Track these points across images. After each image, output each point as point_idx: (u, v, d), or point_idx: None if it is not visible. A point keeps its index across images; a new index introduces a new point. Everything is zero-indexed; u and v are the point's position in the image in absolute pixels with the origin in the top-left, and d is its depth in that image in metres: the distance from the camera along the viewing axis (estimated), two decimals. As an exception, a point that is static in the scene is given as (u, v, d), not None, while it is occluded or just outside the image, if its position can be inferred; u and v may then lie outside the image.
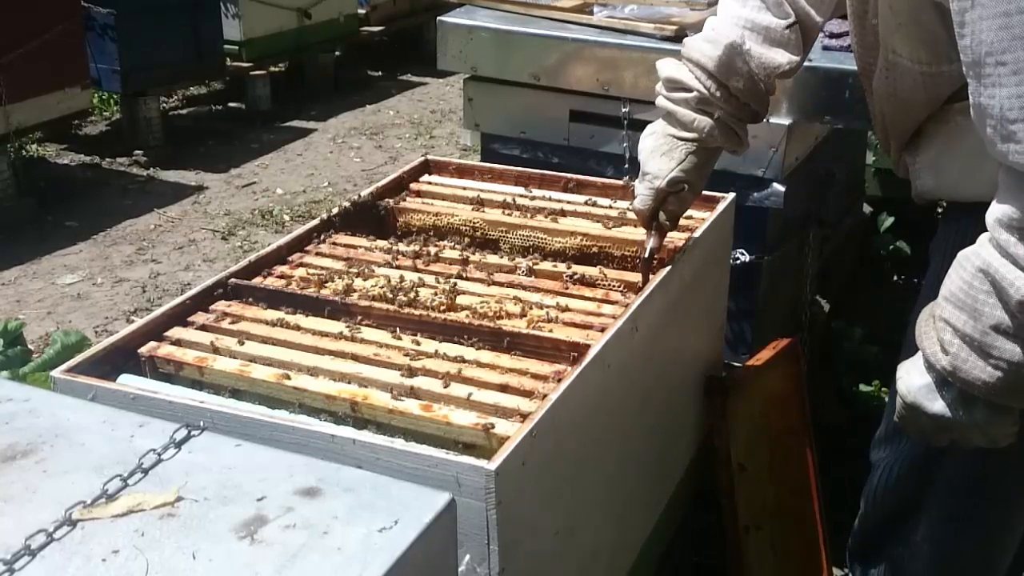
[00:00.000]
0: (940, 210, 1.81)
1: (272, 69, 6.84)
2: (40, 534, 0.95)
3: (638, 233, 1.95)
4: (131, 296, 4.32)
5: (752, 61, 1.69)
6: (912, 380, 1.40)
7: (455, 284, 1.80)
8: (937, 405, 1.37)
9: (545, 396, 1.42)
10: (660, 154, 1.74)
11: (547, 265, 1.88)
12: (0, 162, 4.83)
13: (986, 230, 1.28)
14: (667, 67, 1.74)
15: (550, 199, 2.12)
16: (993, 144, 1.24)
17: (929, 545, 1.73)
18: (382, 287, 1.77)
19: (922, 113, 1.60)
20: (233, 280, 1.78)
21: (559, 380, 1.47)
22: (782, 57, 1.71)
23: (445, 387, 1.49)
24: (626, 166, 2.48)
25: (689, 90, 1.70)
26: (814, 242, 2.71)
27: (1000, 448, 1.42)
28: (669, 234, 1.92)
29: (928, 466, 1.69)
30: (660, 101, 1.75)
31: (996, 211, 1.25)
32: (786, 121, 2.32)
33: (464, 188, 2.18)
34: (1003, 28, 1.17)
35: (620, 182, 2.18)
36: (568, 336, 1.61)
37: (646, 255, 1.78)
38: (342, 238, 1.99)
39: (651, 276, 1.77)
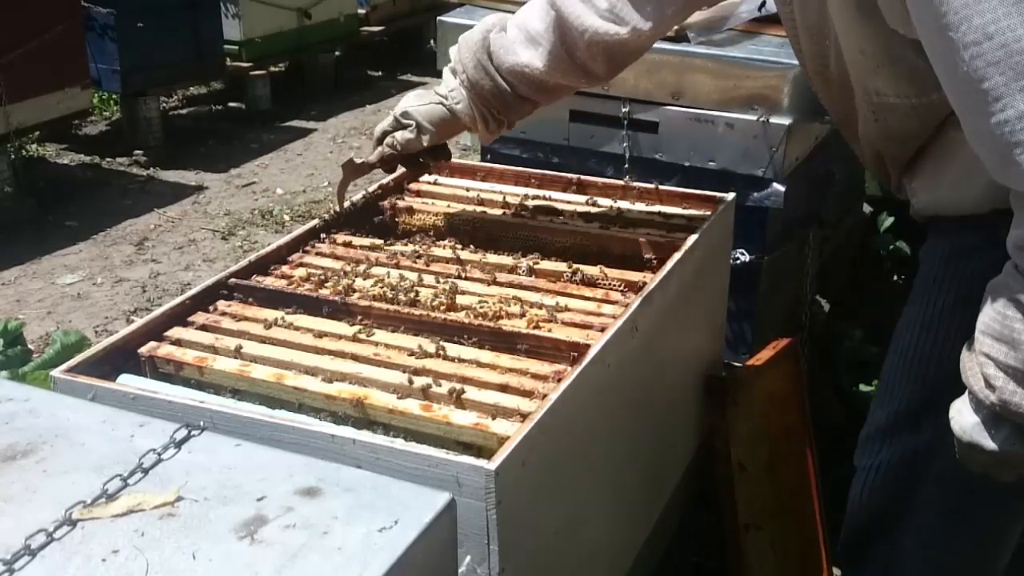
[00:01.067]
0: None
1: (272, 69, 6.84)
2: (40, 534, 0.95)
3: (639, 233, 1.95)
4: (131, 296, 4.32)
5: (495, 56, 1.80)
6: (964, 420, 1.36)
7: (455, 284, 1.80)
8: (994, 442, 1.33)
9: (545, 396, 1.42)
10: (417, 94, 1.94)
11: (547, 265, 1.88)
12: (0, 162, 4.83)
13: (980, 239, 1.28)
14: (456, 42, 1.90)
15: (550, 199, 2.12)
16: (995, 171, 1.23)
17: (921, 547, 1.71)
18: (382, 287, 1.76)
19: (919, 141, 1.59)
20: (233, 280, 1.78)
21: (559, 380, 1.47)
22: (525, 56, 1.78)
23: (445, 387, 1.49)
24: (626, 166, 2.48)
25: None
26: (814, 242, 2.71)
27: None
28: (670, 233, 1.93)
29: (919, 465, 1.67)
30: (446, 67, 1.92)
31: (1015, 237, 1.23)
32: (786, 121, 2.32)
33: (464, 188, 2.18)
34: (975, 57, 1.16)
35: (620, 182, 2.18)
36: (568, 336, 1.61)
37: (357, 161, 2.00)
38: (342, 238, 1.99)
39: (347, 185, 2.01)
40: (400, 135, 1.92)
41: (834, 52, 1.58)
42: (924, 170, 1.62)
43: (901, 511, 1.71)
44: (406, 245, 1.97)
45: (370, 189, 2.15)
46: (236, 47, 6.38)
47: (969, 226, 1.53)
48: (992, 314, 1.28)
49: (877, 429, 1.72)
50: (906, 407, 1.67)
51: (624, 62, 1.83)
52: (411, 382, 1.50)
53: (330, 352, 1.60)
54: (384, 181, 2.19)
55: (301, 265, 1.89)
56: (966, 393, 1.37)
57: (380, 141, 1.95)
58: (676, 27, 2.46)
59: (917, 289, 1.66)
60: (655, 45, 2.43)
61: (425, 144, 1.92)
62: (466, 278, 1.84)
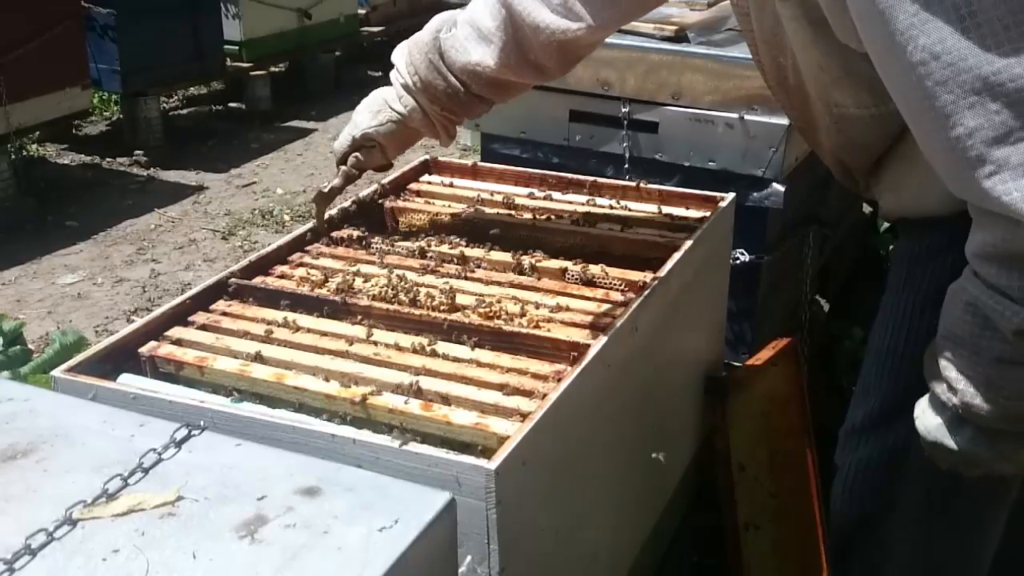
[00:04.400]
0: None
1: (272, 69, 6.84)
2: (40, 534, 0.95)
3: (639, 233, 1.95)
4: (131, 296, 4.32)
5: (446, 56, 1.80)
6: (928, 420, 1.38)
7: (455, 284, 1.80)
8: (958, 442, 1.35)
9: (545, 396, 1.42)
10: (370, 111, 1.93)
11: (547, 264, 1.88)
12: (0, 162, 4.83)
13: (945, 239, 1.28)
14: (401, 48, 1.91)
15: (550, 199, 2.12)
16: (950, 184, 1.24)
17: (906, 542, 1.71)
18: (382, 287, 1.76)
19: (881, 148, 1.60)
20: (233, 280, 1.78)
21: (559, 380, 1.47)
22: (476, 54, 1.78)
23: (445, 387, 1.49)
24: (626, 166, 2.48)
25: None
26: (814, 242, 2.71)
27: None
28: (670, 233, 1.93)
29: (897, 462, 1.67)
30: (392, 72, 1.92)
31: (972, 244, 1.24)
32: (786, 121, 2.32)
33: (464, 188, 2.18)
34: (923, 77, 1.16)
35: (620, 182, 2.18)
36: (568, 336, 1.61)
37: (325, 190, 1.97)
38: (342, 237, 1.99)
39: (324, 212, 1.98)
40: (364, 155, 1.94)
41: (791, 65, 1.59)
42: (888, 175, 1.63)
43: (883, 508, 1.71)
44: (406, 245, 1.97)
45: (369, 190, 2.15)
46: (236, 47, 6.38)
47: (934, 228, 1.54)
48: (952, 319, 1.29)
49: (855, 427, 1.74)
50: (880, 406, 1.68)
51: (577, 57, 1.82)
52: (411, 382, 1.50)
53: (330, 352, 1.60)
54: (384, 181, 2.19)
55: (301, 265, 1.89)
56: (929, 394, 1.39)
57: (343, 161, 1.97)
58: (677, 28, 2.47)
59: (888, 290, 1.68)
60: (655, 45, 2.45)
61: (389, 159, 1.97)
62: (466, 278, 1.84)
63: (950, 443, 1.35)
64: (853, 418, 1.75)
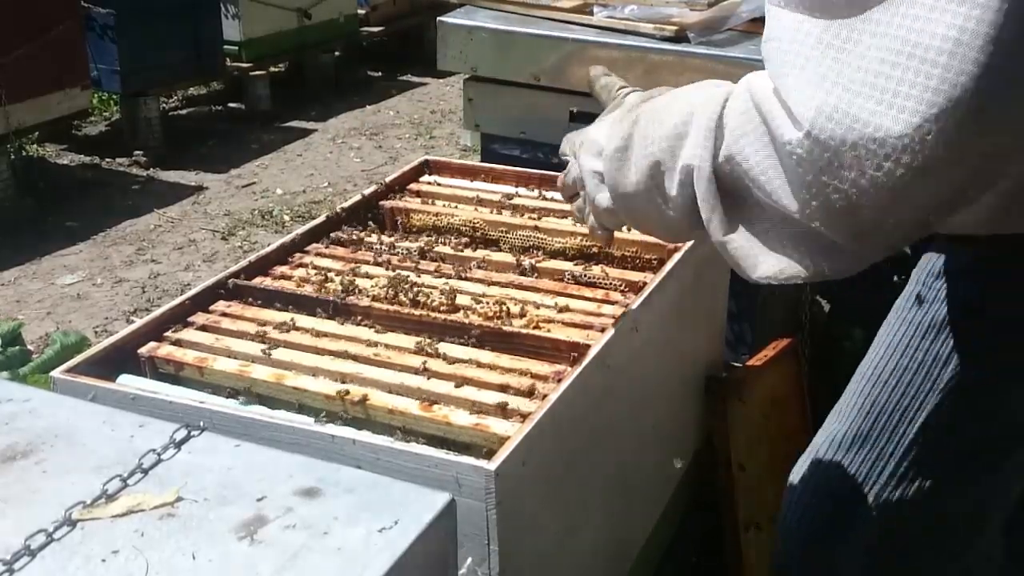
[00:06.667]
0: None
1: (272, 69, 6.84)
2: (40, 534, 0.95)
3: (639, 233, 1.95)
4: (131, 296, 4.32)
5: None
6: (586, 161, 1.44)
7: (455, 284, 1.80)
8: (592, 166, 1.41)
9: (545, 396, 1.42)
10: None
11: (547, 265, 1.88)
12: (0, 162, 4.83)
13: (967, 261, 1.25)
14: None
15: (551, 199, 2.12)
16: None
17: (855, 570, 1.57)
18: (382, 287, 1.76)
19: None
20: (233, 280, 1.78)
21: (559, 380, 1.47)
22: None
23: (445, 387, 1.49)
24: (626, 166, 2.47)
25: None
26: (814, 242, 2.71)
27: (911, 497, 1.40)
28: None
29: (848, 493, 1.53)
30: None
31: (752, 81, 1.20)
32: (786, 121, 2.32)
33: (464, 188, 2.18)
34: (763, 148, 1.12)
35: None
36: (568, 336, 1.61)
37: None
38: (342, 238, 1.99)
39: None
40: None
41: None
42: None
43: (835, 539, 1.58)
44: (406, 245, 1.97)
45: (369, 190, 2.15)
46: (236, 47, 6.37)
47: (959, 248, 1.43)
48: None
49: (817, 448, 1.62)
50: (843, 434, 1.56)
51: None
52: (411, 382, 1.50)
53: (330, 352, 1.60)
54: (384, 181, 2.19)
55: (301, 265, 1.89)
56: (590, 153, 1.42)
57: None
58: (677, 28, 2.46)
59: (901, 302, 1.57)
60: (655, 45, 2.44)
61: None
62: (466, 278, 1.84)
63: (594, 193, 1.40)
64: (818, 438, 1.63)
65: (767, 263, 1.15)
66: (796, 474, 1.66)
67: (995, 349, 1.37)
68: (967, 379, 1.39)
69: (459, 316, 1.68)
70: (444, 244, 1.97)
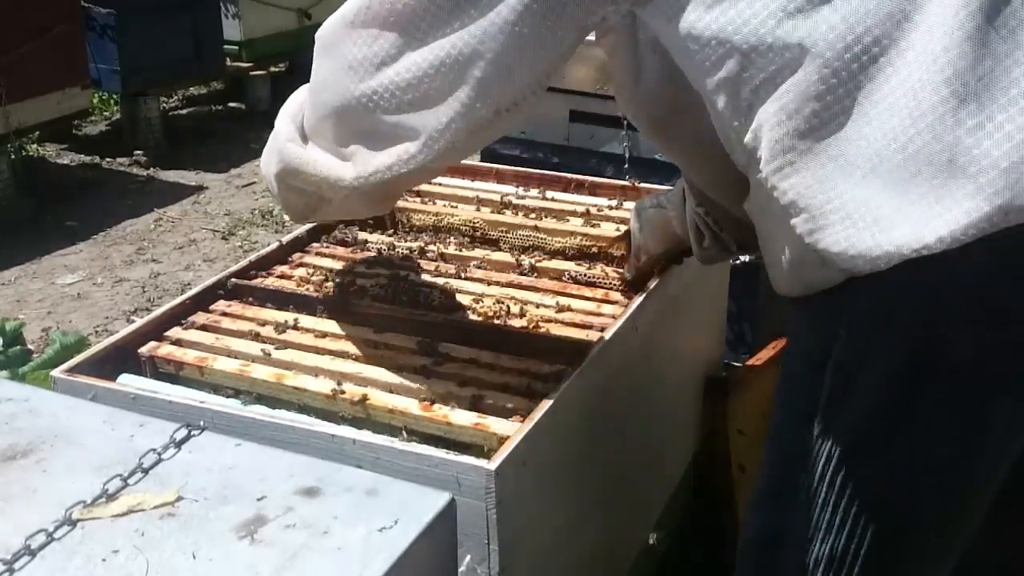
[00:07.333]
0: None
1: (272, 69, 6.83)
2: (40, 534, 0.95)
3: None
4: (131, 296, 4.32)
5: None
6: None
7: (455, 284, 1.80)
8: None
9: (545, 396, 1.42)
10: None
11: (547, 264, 1.88)
12: (0, 162, 4.83)
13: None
14: None
15: (550, 199, 2.12)
16: None
17: None
18: (382, 287, 1.76)
19: None
20: (233, 280, 1.78)
21: (559, 380, 1.47)
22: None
23: (445, 387, 1.49)
24: (626, 166, 2.48)
25: None
26: (814, 242, 2.71)
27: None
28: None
29: (776, 548, 1.35)
30: None
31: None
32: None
33: (464, 188, 2.18)
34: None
35: (620, 182, 2.18)
36: (568, 336, 1.61)
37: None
38: (342, 237, 1.99)
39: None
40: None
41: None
42: None
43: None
44: (406, 244, 1.97)
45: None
46: (236, 47, 6.37)
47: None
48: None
49: (751, 499, 1.47)
50: (766, 486, 1.40)
51: None
52: (411, 382, 1.50)
53: (330, 352, 1.60)
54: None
55: (301, 265, 1.89)
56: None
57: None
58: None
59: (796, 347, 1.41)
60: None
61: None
62: (466, 278, 1.84)
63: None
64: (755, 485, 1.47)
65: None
66: (747, 513, 1.51)
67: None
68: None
69: (459, 316, 1.68)
70: (444, 244, 1.97)
